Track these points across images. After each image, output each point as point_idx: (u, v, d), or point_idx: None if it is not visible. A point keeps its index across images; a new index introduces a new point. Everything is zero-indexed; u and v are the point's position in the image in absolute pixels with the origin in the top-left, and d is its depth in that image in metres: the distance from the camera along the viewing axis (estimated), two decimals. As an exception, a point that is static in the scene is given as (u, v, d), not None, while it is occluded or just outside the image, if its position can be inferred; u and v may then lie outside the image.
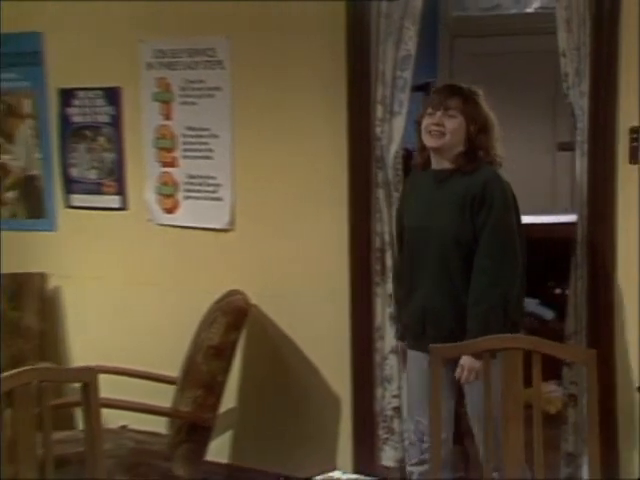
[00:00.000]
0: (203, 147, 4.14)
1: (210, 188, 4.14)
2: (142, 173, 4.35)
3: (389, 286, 3.76)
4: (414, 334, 3.32)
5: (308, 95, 3.96)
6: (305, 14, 3.90)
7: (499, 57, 5.88)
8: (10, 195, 4.76)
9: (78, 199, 4.55)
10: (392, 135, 3.76)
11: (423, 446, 3.25)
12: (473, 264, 3.15)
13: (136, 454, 3.76)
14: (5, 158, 4.73)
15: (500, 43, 5.95)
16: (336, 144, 3.87)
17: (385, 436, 3.85)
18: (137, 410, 3.85)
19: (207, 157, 4.13)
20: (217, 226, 4.15)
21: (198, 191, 4.19)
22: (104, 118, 4.42)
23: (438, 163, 3.26)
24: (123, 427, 4.06)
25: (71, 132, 4.53)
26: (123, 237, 4.45)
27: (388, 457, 3.85)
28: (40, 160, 4.63)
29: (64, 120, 4.53)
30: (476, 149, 3.21)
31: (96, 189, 4.49)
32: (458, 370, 3.12)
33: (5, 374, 2.35)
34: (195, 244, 4.26)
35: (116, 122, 4.39)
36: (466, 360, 3.09)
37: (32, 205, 4.71)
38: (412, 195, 3.39)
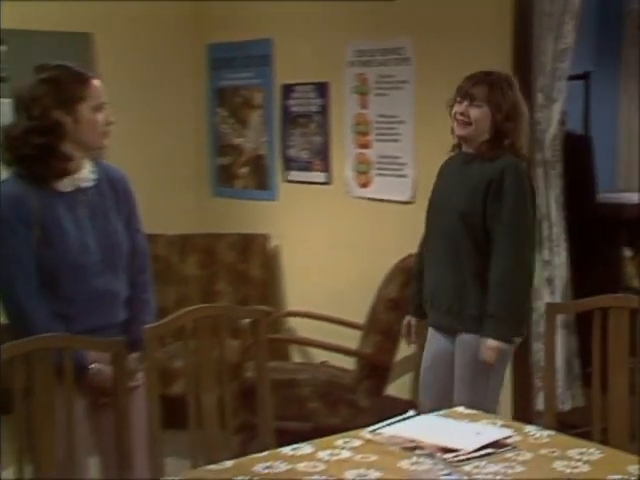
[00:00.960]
0: (392, 132, 4.47)
1: (397, 167, 4.48)
2: (343, 154, 4.73)
3: (545, 252, 3.98)
4: (428, 309, 3.23)
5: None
6: (477, 15, 4.14)
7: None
8: (243, 170, 5.33)
9: (294, 175, 5.01)
10: (550, 120, 3.97)
11: None
12: (480, 248, 3.03)
13: (328, 385, 4.15)
14: (240, 140, 5.32)
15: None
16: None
17: (539, 385, 4.06)
18: (329, 349, 4.32)
19: (395, 140, 4.46)
20: (401, 199, 4.45)
21: (387, 169, 4.52)
22: (315, 108, 4.84)
23: (466, 147, 3.15)
24: (323, 363, 4.51)
25: (289, 120, 5.00)
26: (327, 207, 4.84)
27: (542, 403, 4.06)
28: (266, 142, 5.14)
29: (285, 110, 5.02)
30: (502, 137, 3.04)
31: (307, 167, 4.91)
32: (483, 350, 3.01)
33: (189, 308, 2.56)
34: (383, 214, 4.59)
35: (324, 111, 4.80)
36: (490, 343, 2.99)
37: (259, 179, 5.22)
38: (442, 175, 3.29)
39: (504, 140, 3.05)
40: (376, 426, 2.37)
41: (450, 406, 2.69)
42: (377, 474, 2.08)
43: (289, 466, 2.15)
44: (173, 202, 5.43)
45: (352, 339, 4.31)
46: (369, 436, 2.33)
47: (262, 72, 5.15)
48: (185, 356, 2.55)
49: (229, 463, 2.20)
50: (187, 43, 5.57)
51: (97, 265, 2.60)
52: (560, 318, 3.73)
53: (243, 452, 2.46)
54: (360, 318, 4.31)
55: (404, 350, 4.27)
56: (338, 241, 4.80)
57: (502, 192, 3.00)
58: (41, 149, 2.52)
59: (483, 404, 2.82)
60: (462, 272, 3.07)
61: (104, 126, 2.64)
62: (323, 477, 2.07)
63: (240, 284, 5.03)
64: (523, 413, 4.02)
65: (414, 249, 4.26)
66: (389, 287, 4.15)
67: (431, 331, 3.29)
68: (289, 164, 5.04)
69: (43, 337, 2.30)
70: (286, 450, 2.27)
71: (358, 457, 2.19)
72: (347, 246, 4.74)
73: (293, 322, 4.99)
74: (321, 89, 4.82)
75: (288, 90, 5.00)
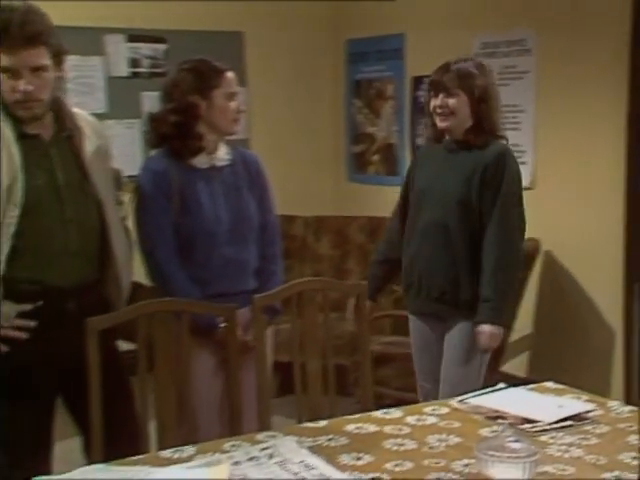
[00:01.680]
0: (513, 120, 4.44)
1: (517, 154, 4.38)
2: (467, 142, 4.77)
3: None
4: (413, 296, 3.11)
5: (594, 79, 4.12)
6: (596, 7, 4.07)
7: None
8: (375, 158, 5.43)
9: None
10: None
11: None
12: (474, 234, 2.93)
13: None
14: (373, 129, 5.42)
15: None
16: (615, 124, 4.01)
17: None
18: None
19: (516, 128, 4.43)
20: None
21: (508, 157, 4.52)
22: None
23: (450, 136, 3.03)
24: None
25: (418, 110, 5.02)
26: None
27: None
28: (396, 132, 5.23)
29: (414, 101, 5.07)
30: (480, 120, 2.94)
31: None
32: (479, 336, 2.93)
33: (297, 280, 2.67)
34: None
35: (450, 101, 4.86)
36: (486, 328, 2.93)
37: (389, 166, 5.31)
38: (423, 164, 3.15)
39: (483, 123, 2.95)
40: (465, 396, 2.42)
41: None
42: (457, 440, 2.13)
43: (377, 428, 2.23)
44: (311, 186, 5.59)
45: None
46: (456, 405, 2.37)
47: (394, 65, 5.21)
48: (291, 325, 2.65)
49: (323, 422, 2.30)
50: (327, 39, 5.71)
51: (228, 235, 2.76)
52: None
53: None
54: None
55: (521, 330, 4.26)
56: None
57: (497, 178, 2.91)
58: (178, 127, 2.72)
59: (475, 385, 2.84)
60: (455, 259, 2.96)
61: (235, 113, 2.80)
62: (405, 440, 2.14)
63: (368, 264, 5.08)
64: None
65: (532, 234, 4.28)
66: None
67: (413, 319, 3.19)
68: (416, 152, 5.05)
69: (163, 301, 2.47)
70: (377, 413, 2.34)
71: (442, 423, 2.25)
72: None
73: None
74: (447, 80, 4.83)
75: (418, 82, 5.04)
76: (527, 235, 4.14)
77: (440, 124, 2.97)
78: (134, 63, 5.12)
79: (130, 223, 2.74)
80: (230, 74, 2.80)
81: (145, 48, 5.16)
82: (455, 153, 3.02)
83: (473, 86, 2.91)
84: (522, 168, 4.37)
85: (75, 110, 2.60)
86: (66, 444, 2.78)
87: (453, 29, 4.78)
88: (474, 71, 2.94)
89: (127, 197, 2.75)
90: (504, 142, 3.03)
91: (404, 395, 3.71)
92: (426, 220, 3.03)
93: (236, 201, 2.80)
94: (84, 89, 4.99)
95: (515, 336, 4.22)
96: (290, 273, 4.10)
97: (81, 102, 4.89)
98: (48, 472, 2.23)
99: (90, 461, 2.28)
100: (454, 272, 2.97)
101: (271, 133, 5.54)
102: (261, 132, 5.48)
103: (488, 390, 2.45)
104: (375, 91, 5.38)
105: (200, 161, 2.77)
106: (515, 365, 4.47)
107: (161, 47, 5.19)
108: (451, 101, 2.92)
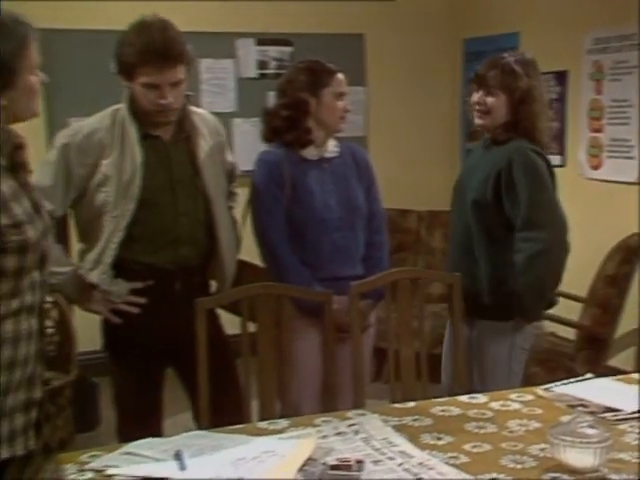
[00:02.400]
0: (622, 115, 4.30)
1: (625, 149, 4.30)
2: (577, 138, 4.62)
3: None
4: None
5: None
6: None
7: None
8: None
9: None
10: None
11: None
12: (494, 235, 2.75)
13: (549, 352, 4.10)
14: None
15: None
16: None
17: None
18: (548, 319, 4.24)
19: (625, 123, 4.29)
20: (628, 180, 4.29)
21: (617, 151, 4.36)
22: (554, 95, 4.72)
23: (487, 134, 2.90)
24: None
25: (529, 106, 4.97)
26: (561, 188, 4.65)
27: None
28: (508, 128, 5.16)
29: (526, 97, 5.00)
30: (517, 122, 2.77)
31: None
32: (512, 332, 2.78)
33: (391, 270, 2.75)
34: (611, 194, 4.44)
35: (562, 98, 4.71)
36: (521, 323, 2.77)
37: None
38: (467, 161, 3.06)
39: (519, 124, 2.77)
40: (551, 384, 2.38)
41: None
42: (537, 425, 2.11)
43: (461, 411, 2.23)
44: (425, 181, 5.57)
45: (575, 311, 4.20)
46: (541, 392, 2.35)
47: (507, 63, 5.11)
48: (386, 312, 2.67)
49: (411, 404, 2.33)
50: (445, 39, 5.68)
51: (337, 222, 2.82)
52: None
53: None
54: (583, 292, 4.17)
55: (627, 324, 4.11)
56: (569, 219, 4.63)
57: (514, 182, 2.70)
58: (289, 121, 2.80)
59: (507, 383, 2.72)
60: (475, 259, 2.80)
61: (342, 112, 2.85)
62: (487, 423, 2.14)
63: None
64: None
65: (635, 229, 4.13)
66: (609, 264, 4.02)
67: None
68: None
69: (266, 284, 2.56)
70: (463, 398, 2.35)
71: (525, 410, 2.23)
72: (576, 225, 4.52)
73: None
74: (561, 77, 4.73)
75: (530, 78, 4.93)
76: (632, 230, 4.07)
77: (477, 120, 2.86)
78: (262, 65, 5.26)
79: (238, 214, 2.85)
80: (340, 75, 2.84)
81: (272, 51, 5.29)
82: (486, 150, 2.88)
83: (515, 86, 2.75)
84: (629, 163, 4.36)
85: (195, 109, 2.72)
86: (180, 417, 2.93)
87: (566, 26, 4.66)
88: (519, 71, 2.77)
89: (242, 189, 2.84)
90: (520, 141, 2.78)
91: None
92: (453, 220, 2.96)
93: (345, 190, 2.86)
94: (216, 90, 5.17)
95: (621, 331, 4.07)
96: (403, 265, 4.13)
97: (213, 102, 5.09)
98: (159, 434, 2.36)
99: (198, 428, 2.40)
100: (476, 273, 2.80)
101: (388, 131, 5.57)
102: (378, 130, 5.51)
103: (575, 380, 2.41)
104: (490, 89, 5.30)
105: (310, 153, 2.84)
106: (622, 359, 4.31)
107: (287, 49, 5.30)
108: (489, 99, 2.79)
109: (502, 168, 2.73)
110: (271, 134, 2.86)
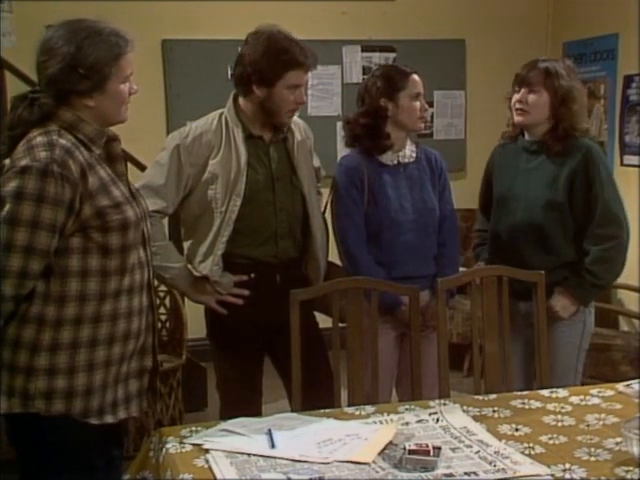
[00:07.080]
0: None
1: None
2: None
3: None
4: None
5: None
6: None
7: None
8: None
9: (628, 159, 4.77)
10: None
11: None
12: (568, 233, 2.74)
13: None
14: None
15: None
16: None
17: None
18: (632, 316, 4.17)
19: None
20: None
21: None
22: None
23: (529, 135, 2.84)
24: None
25: (627, 108, 4.77)
26: None
27: None
28: (606, 129, 4.98)
29: (624, 99, 4.80)
30: (559, 122, 2.73)
31: (640, 151, 4.69)
32: (555, 303, 2.74)
33: (474, 268, 2.80)
34: None
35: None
36: (559, 301, 2.74)
37: None
38: (501, 164, 2.95)
39: (561, 126, 2.73)
40: (633, 381, 2.34)
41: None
42: (614, 419, 2.08)
43: (541, 405, 2.23)
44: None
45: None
46: (622, 388, 2.31)
47: (608, 65, 4.97)
48: (471, 309, 2.68)
49: (493, 396, 2.33)
50: (545, 41, 5.56)
51: (411, 223, 2.85)
52: None
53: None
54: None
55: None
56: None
57: (590, 177, 2.71)
58: (368, 128, 2.84)
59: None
60: (556, 251, 2.78)
61: (420, 112, 2.86)
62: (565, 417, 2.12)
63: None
64: None
65: None
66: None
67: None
68: (624, 149, 4.82)
69: (356, 279, 2.62)
70: (544, 392, 2.34)
71: (604, 405, 2.20)
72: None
73: (623, 294, 4.80)
74: (659, 79, 4.56)
75: (629, 80, 4.77)
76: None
77: (516, 118, 2.81)
78: (366, 71, 5.30)
79: (326, 213, 2.91)
80: (415, 76, 2.86)
81: (377, 57, 5.32)
82: (536, 155, 2.83)
83: (557, 86, 2.72)
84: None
85: None
86: (280, 403, 3.04)
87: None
88: (561, 71, 2.75)
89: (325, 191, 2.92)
90: (587, 140, 2.79)
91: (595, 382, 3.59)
92: (513, 222, 2.85)
93: (419, 194, 2.88)
94: (323, 95, 5.25)
95: None
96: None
97: (319, 106, 5.18)
98: (258, 414, 2.46)
99: (292, 411, 2.47)
100: (556, 272, 2.76)
101: (486, 134, 5.47)
102: (477, 133, 5.45)
103: (658, 378, 2.36)
104: (588, 91, 5.15)
105: (388, 158, 2.87)
106: None
107: (391, 55, 5.33)
108: (531, 97, 2.75)
109: (575, 167, 2.73)
110: (352, 140, 2.91)
